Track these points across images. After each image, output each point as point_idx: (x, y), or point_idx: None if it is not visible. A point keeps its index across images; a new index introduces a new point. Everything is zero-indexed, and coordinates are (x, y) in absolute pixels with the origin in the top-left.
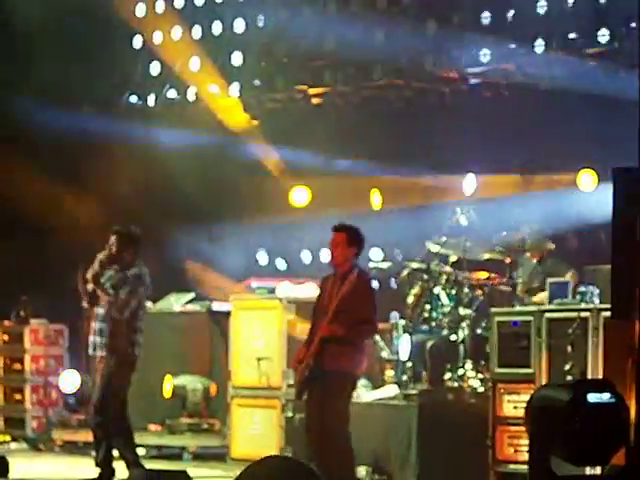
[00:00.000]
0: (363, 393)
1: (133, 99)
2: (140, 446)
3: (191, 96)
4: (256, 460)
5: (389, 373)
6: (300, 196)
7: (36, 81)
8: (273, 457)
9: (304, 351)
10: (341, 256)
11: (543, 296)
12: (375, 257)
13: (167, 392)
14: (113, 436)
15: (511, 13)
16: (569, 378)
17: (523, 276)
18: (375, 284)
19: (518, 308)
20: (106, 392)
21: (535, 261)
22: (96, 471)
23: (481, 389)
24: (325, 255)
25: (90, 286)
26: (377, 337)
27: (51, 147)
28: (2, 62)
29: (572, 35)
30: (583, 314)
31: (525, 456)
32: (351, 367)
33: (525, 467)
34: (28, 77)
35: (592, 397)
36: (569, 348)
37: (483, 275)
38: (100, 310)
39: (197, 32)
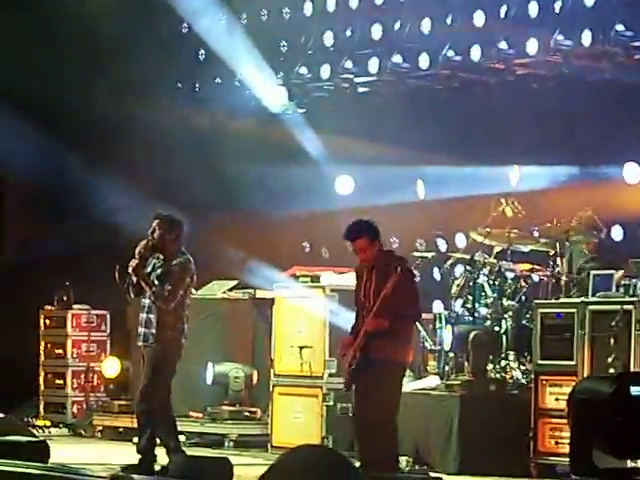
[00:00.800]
0: (405, 383)
1: (179, 85)
2: (181, 433)
3: (237, 83)
4: (290, 449)
5: (431, 363)
6: (344, 185)
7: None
8: (306, 446)
9: (350, 340)
10: (371, 255)
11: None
12: (419, 247)
13: (209, 379)
14: (156, 423)
15: (558, 4)
16: (611, 371)
17: (572, 268)
18: (417, 274)
19: (561, 300)
20: (152, 380)
21: (587, 252)
22: (137, 457)
23: (523, 381)
24: None
25: (134, 277)
26: (420, 327)
27: (101, 136)
28: (80, 60)
29: (619, 27)
30: (626, 307)
31: (566, 448)
32: (398, 357)
33: (566, 460)
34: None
35: (635, 390)
36: (612, 340)
37: (527, 266)
38: (146, 301)
39: (244, 19)
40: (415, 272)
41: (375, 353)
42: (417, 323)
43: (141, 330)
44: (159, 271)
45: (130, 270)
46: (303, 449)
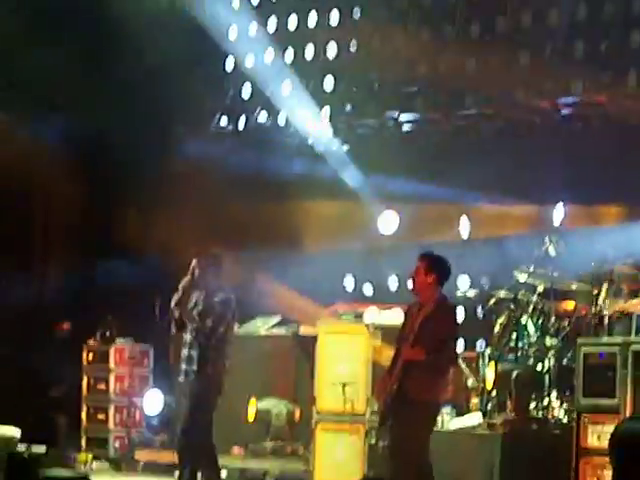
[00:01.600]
0: (447, 420)
1: (223, 121)
2: (223, 469)
3: (282, 120)
4: None
5: (474, 401)
6: (388, 222)
7: (126, 103)
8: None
9: (387, 378)
10: (420, 283)
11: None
12: (462, 285)
13: (251, 415)
14: (198, 458)
15: (604, 44)
16: None
17: (614, 307)
18: (461, 312)
19: (605, 339)
20: (193, 416)
21: (627, 292)
22: None
23: (565, 420)
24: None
25: (177, 313)
26: (463, 365)
27: (138, 169)
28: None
29: None
30: None
31: None
32: (434, 396)
33: None
34: (119, 99)
35: None
36: None
37: (570, 305)
38: (188, 336)
39: (289, 56)
40: (456, 311)
41: (411, 390)
42: (456, 360)
43: (183, 367)
44: (200, 307)
45: (172, 305)
46: None
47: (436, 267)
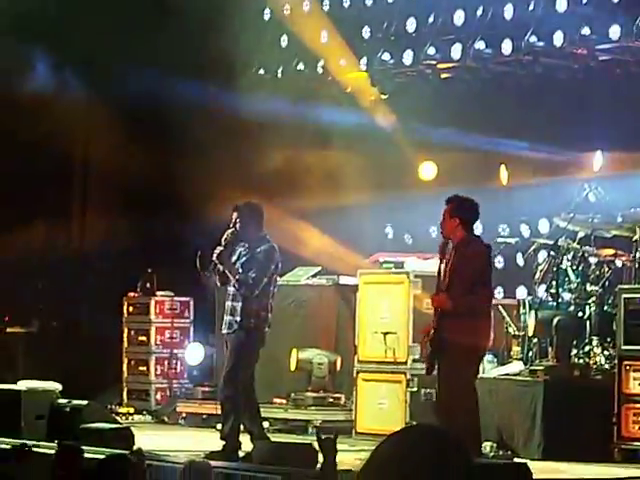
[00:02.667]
0: (489, 369)
1: (261, 71)
2: (265, 419)
3: (319, 69)
4: (401, 429)
5: (515, 349)
6: (428, 171)
7: (165, 53)
8: (416, 426)
9: (429, 327)
10: (446, 227)
11: None
12: (502, 232)
13: (293, 366)
14: (240, 410)
15: None
16: None
17: None
18: (501, 260)
19: None
20: (236, 367)
21: None
22: (221, 444)
23: (607, 366)
24: None
25: (220, 265)
26: (504, 313)
27: (182, 122)
28: (129, 34)
29: None
30: None
31: None
32: (473, 341)
33: None
34: (157, 49)
35: None
36: None
37: (610, 252)
38: (231, 289)
39: (327, 5)
40: (491, 252)
41: (450, 335)
42: (491, 301)
43: (226, 318)
44: (244, 259)
45: (215, 257)
46: (412, 429)
47: (460, 209)
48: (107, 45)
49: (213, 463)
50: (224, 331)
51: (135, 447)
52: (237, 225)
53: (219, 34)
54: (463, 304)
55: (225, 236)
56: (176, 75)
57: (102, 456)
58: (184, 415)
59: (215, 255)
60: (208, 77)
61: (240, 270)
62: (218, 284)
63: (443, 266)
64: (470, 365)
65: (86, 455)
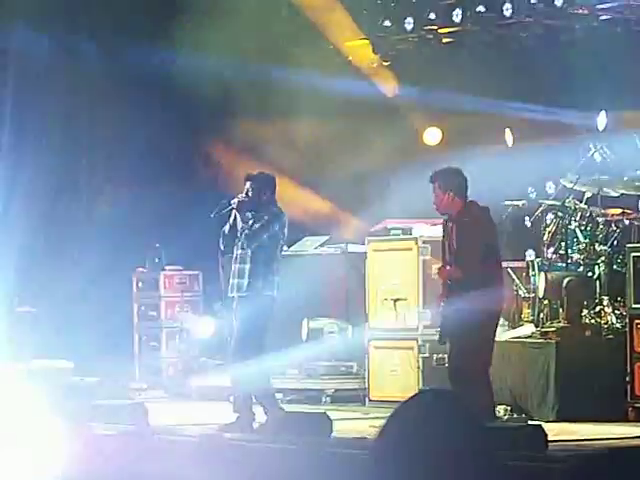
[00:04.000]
0: (500, 332)
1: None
2: (278, 390)
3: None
4: (414, 394)
5: (526, 311)
6: (432, 136)
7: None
8: (429, 391)
9: (440, 297)
10: (441, 204)
11: None
12: (509, 195)
13: (304, 335)
14: (253, 380)
15: None
16: None
17: None
18: (509, 223)
19: None
20: (246, 336)
21: None
22: (234, 416)
23: (618, 325)
24: None
25: (230, 220)
26: (513, 275)
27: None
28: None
29: None
30: None
31: None
32: (487, 303)
33: None
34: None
35: None
36: None
37: (617, 211)
38: (238, 251)
39: None
40: (489, 214)
41: (464, 303)
42: (500, 268)
43: (233, 280)
44: (254, 225)
45: (234, 202)
46: (426, 394)
47: (449, 182)
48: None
49: (227, 435)
50: (233, 294)
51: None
52: (249, 193)
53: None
54: (475, 271)
55: (236, 204)
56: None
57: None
58: (196, 388)
59: (236, 200)
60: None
61: (249, 233)
62: (222, 247)
63: (447, 242)
64: (485, 328)
65: (102, 432)
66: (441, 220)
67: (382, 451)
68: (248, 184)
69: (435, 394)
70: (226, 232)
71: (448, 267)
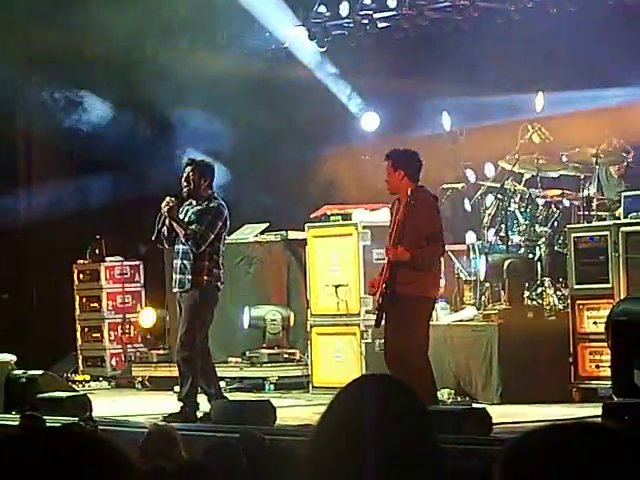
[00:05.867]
0: (442, 316)
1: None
2: (221, 379)
3: (257, 26)
4: (352, 380)
5: (467, 294)
6: (370, 121)
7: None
8: (367, 376)
9: (378, 280)
10: (392, 182)
11: None
12: (448, 178)
13: (246, 323)
14: (197, 371)
15: None
16: None
17: (603, 191)
18: (449, 205)
19: (594, 223)
20: (192, 327)
21: (617, 177)
22: (179, 405)
23: (560, 306)
24: None
25: (166, 223)
26: (454, 259)
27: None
28: None
29: None
30: None
31: (607, 371)
32: (425, 291)
33: (608, 382)
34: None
35: None
36: None
37: (557, 192)
38: (180, 247)
39: None
40: (437, 203)
41: (401, 287)
42: (444, 254)
43: (176, 277)
44: (192, 217)
45: (164, 210)
46: (364, 379)
47: (401, 161)
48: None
49: (177, 425)
50: (176, 290)
51: (90, 414)
52: (188, 180)
53: None
54: (419, 256)
55: (171, 197)
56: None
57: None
58: (140, 379)
59: (165, 207)
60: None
61: (189, 227)
62: (166, 245)
63: (394, 223)
64: (422, 314)
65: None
66: (380, 205)
67: (321, 438)
68: (188, 169)
69: (375, 379)
70: (165, 234)
71: (398, 247)
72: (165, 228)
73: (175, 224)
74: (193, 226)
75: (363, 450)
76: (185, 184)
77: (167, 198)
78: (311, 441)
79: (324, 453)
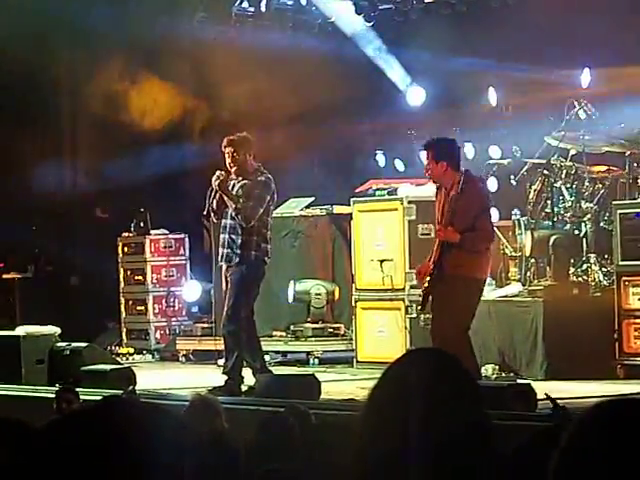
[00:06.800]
0: (487, 292)
1: (245, 4)
2: (266, 353)
3: (303, 0)
4: (402, 355)
5: (513, 270)
6: (416, 96)
7: None
8: (418, 350)
9: (426, 264)
10: (434, 173)
11: None
12: (494, 154)
13: (290, 298)
14: (242, 344)
15: None
16: None
17: None
18: (494, 182)
19: (639, 200)
20: (238, 301)
21: None
22: (223, 379)
23: (605, 282)
24: None
25: (215, 199)
26: (499, 235)
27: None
28: None
29: None
30: None
31: None
32: (473, 272)
33: None
34: None
35: None
36: None
37: (603, 168)
38: (227, 221)
39: None
40: (486, 186)
41: (450, 268)
42: (493, 236)
43: (223, 250)
44: (240, 191)
45: (215, 183)
46: (414, 353)
47: (443, 154)
48: None
49: (223, 398)
50: (221, 264)
51: (135, 387)
52: (230, 157)
53: None
54: (468, 238)
55: (220, 172)
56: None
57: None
58: (184, 352)
59: (216, 181)
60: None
61: (237, 200)
62: (214, 219)
63: (441, 206)
64: (468, 294)
65: (87, 397)
66: (425, 180)
67: (372, 412)
68: (229, 149)
69: (424, 353)
70: (214, 207)
71: (450, 228)
72: (215, 202)
73: (226, 197)
74: (242, 200)
75: (414, 424)
76: (231, 164)
77: (217, 172)
78: (362, 414)
79: (375, 426)
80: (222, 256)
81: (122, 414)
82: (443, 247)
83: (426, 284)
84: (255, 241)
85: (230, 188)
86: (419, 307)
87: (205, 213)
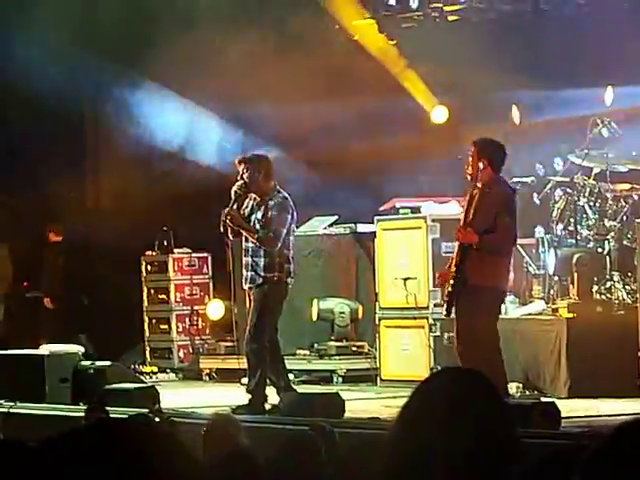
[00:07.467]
0: (511, 309)
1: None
2: (290, 371)
3: (327, 18)
4: (431, 374)
5: (536, 288)
6: (439, 114)
7: None
8: (448, 369)
9: (447, 270)
10: (473, 167)
11: None
12: (517, 172)
13: (314, 316)
14: (266, 362)
15: None
16: None
17: None
18: (518, 200)
19: None
20: (261, 320)
21: None
22: (247, 397)
23: (629, 300)
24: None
25: (236, 227)
26: (523, 252)
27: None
28: None
29: None
30: None
31: None
32: (494, 280)
33: None
34: None
35: None
36: None
37: (626, 186)
38: (249, 244)
39: None
40: (515, 195)
41: (471, 274)
42: (514, 240)
43: (247, 274)
44: (259, 214)
45: (227, 221)
46: (445, 372)
47: (487, 151)
48: None
49: (240, 417)
50: (245, 286)
51: (160, 406)
52: (245, 177)
53: None
54: (487, 240)
55: (235, 188)
56: None
57: (125, 416)
58: (208, 371)
59: (228, 219)
60: None
61: (257, 226)
62: (230, 237)
63: (467, 206)
64: (492, 305)
65: (115, 416)
66: (449, 199)
67: (402, 430)
68: (241, 167)
69: (455, 372)
70: (230, 237)
71: (469, 229)
72: (230, 234)
73: (244, 231)
74: (263, 228)
75: (444, 442)
76: (244, 183)
77: (225, 210)
78: (391, 432)
79: (405, 444)
80: (246, 279)
81: (112, 435)
82: (463, 250)
83: (450, 288)
84: (278, 262)
85: (248, 209)
86: (445, 312)
87: (222, 231)
